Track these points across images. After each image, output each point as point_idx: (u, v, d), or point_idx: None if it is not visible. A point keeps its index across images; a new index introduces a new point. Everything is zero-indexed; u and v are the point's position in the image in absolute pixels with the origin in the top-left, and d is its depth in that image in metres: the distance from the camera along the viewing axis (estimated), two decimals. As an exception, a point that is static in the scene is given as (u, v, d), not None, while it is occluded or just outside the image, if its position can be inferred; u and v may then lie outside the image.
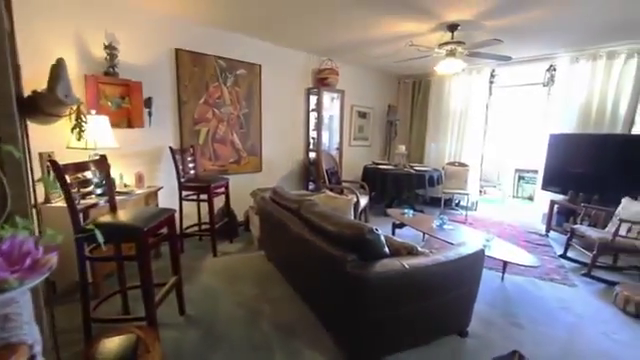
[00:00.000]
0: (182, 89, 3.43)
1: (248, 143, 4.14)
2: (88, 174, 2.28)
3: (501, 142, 6.88)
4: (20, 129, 1.19)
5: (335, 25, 3.45)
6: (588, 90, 4.13)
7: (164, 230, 2.06)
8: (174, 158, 3.10)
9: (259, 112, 4.19)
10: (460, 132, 5.48)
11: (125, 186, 2.90)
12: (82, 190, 2.18)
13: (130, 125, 3.03)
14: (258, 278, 2.81)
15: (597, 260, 2.98)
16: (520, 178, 6.88)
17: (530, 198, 6.34)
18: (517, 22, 3.18)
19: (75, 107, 1.48)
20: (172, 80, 3.37)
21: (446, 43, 3.36)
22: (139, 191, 2.85)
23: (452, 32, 3.32)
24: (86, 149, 2.43)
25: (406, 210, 3.71)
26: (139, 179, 2.98)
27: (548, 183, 4.36)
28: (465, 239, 2.80)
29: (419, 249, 1.88)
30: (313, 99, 4.80)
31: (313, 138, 4.90)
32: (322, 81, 4.71)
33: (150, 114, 3.18)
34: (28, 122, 1.36)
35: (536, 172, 5.26)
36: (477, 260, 1.98)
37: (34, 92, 1.29)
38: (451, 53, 3.41)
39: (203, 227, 3.56)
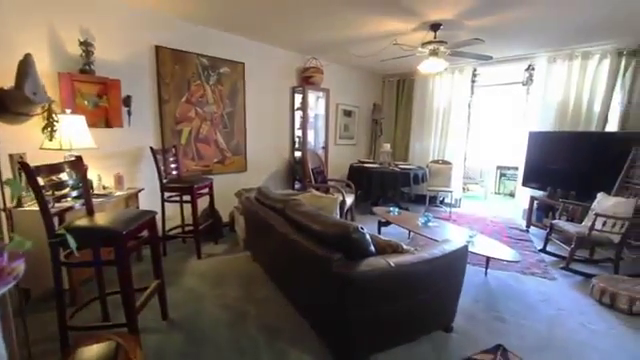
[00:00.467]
0: (163, 87, 3.34)
1: (232, 142, 4.08)
2: (63, 176, 2.18)
3: (483, 140, 7.04)
4: (-15, 129, 1.12)
5: (319, 23, 3.43)
6: (565, 89, 4.26)
7: (145, 233, 2.01)
8: (155, 158, 3.02)
9: (243, 111, 4.13)
10: (443, 130, 5.57)
11: (104, 188, 2.80)
12: (57, 193, 2.08)
13: (108, 125, 2.93)
14: (243, 279, 2.77)
15: (575, 254, 3.08)
16: (502, 175, 7.06)
17: (511, 194, 6.51)
18: (497, 22, 3.24)
19: (46, 106, 1.41)
20: (152, 78, 3.28)
21: (429, 42, 3.40)
22: (119, 193, 2.75)
23: (435, 32, 3.36)
24: (61, 150, 2.33)
25: (391, 208, 3.74)
26: (118, 180, 2.88)
27: (528, 180, 4.48)
28: (449, 236, 2.85)
29: (404, 247, 1.89)
30: (298, 98, 4.77)
31: (298, 137, 4.88)
32: (307, 80, 4.68)
33: (129, 113, 3.08)
34: (-5, 122, 1.29)
35: (517, 169, 5.40)
36: (461, 256, 2.01)
37: (0, 90, 1.22)
38: (434, 52, 3.45)
39: (187, 229, 3.48)
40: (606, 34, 3.61)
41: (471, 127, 5.50)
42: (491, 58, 3.79)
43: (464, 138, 5.46)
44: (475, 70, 5.16)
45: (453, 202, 5.52)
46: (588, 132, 4.06)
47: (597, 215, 2.97)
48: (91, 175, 2.73)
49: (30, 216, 2.09)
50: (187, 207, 3.29)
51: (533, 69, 4.59)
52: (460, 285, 2.07)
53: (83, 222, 1.70)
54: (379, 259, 1.69)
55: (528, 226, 4.38)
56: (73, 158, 1.92)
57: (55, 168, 1.73)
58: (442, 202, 5.68)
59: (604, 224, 2.99)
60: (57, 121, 1.58)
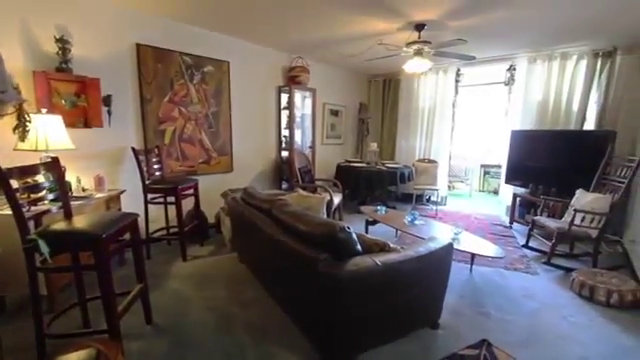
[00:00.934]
0: (145, 86, 3.25)
1: (218, 142, 4.02)
2: (40, 178, 2.10)
3: (468, 139, 7.17)
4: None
5: (304, 22, 3.42)
6: (545, 89, 4.38)
7: (127, 236, 1.95)
8: (137, 159, 2.94)
9: (229, 111, 4.08)
10: (429, 129, 5.64)
11: (83, 190, 2.71)
12: (32, 196, 2.00)
13: (87, 125, 2.83)
14: (230, 281, 2.73)
15: (556, 249, 3.17)
16: (486, 173, 7.21)
17: (495, 192, 6.66)
18: (479, 23, 3.30)
19: (17, 105, 1.35)
20: (133, 77, 3.19)
21: (413, 42, 3.43)
22: (99, 195, 2.67)
23: (419, 32, 3.39)
24: (36, 151, 2.24)
25: (379, 207, 3.76)
26: (99, 182, 2.80)
27: (511, 177, 4.59)
28: (435, 234, 2.88)
29: (391, 245, 1.89)
30: (285, 97, 4.74)
31: (285, 137, 4.85)
32: (293, 79, 4.66)
33: (110, 113, 2.99)
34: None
35: (500, 167, 5.53)
36: (446, 254, 2.04)
37: (-33, 88, 1.16)
38: (418, 52, 3.48)
39: (171, 231, 3.41)
40: (583, 36, 3.72)
41: (456, 126, 5.59)
42: (474, 58, 3.86)
43: (449, 137, 5.55)
44: (459, 70, 5.25)
45: (439, 200, 5.60)
46: (567, 130, 4.19)
47: (576, 211, 3.07)
48: (70, 177, 2.64)
49: (4, 220, 2.00)
50: (172, 209, 3.22)
51: (514, 69, 4.70)
52: (446, 282, 2.10)
53: (60, 226, 1.64)
54: (366, 258, 1.69)
55: (511, 222, 4.48)
56: (49, 159, 1.85)
57: (29, 170, 1.66)
58: (428, 200, 5.76)
59: (583, 219, 3.09)
60: (29, 121, 1.51)
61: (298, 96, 4.90)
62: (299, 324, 2.05)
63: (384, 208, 3.75)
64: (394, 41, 3.61)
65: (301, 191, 3.27)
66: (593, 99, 4.10)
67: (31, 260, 1.54)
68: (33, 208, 2.03)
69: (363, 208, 3.93)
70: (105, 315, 1.65)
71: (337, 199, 4.26)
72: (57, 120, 2.39)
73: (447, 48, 3.44)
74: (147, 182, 3.03)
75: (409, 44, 3.46)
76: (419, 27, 3.34)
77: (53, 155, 2.02)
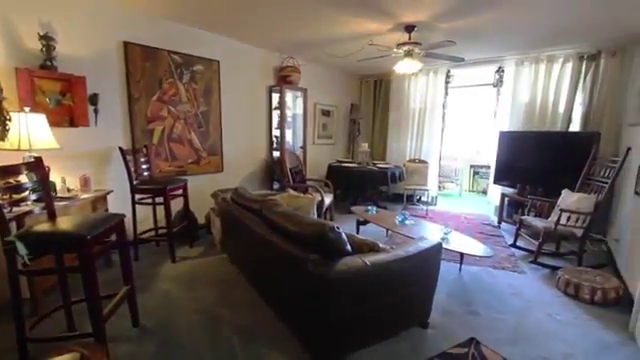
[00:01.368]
0: (133, 85, 3.20)
1: (208, 142, 3.98)
2: (23, 178, 2.04)
3: (458, 139, 7.26)
4: None
5: (295, 22, 3.41)
6: (532, 91, 4.46)
7: (113, 237, 1.92)
8: (125, 159, 2.89)
9: (219, 110, 4.04)
10: (419, 130, 5.69)
11: (68, 190, 2.65)
12: (15, 196, 1.95)
13: (73, 124, 2.77)
14: (220, 282, 2.71)
15: (542, 247, 3.23)
16: (475, 173, 7.30)
17: (484, 192, 6.74)
18: (468, 25, 3.34)
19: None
20: (121, 75, 3.13)
21: (404, 43, 3.45)
22: (85, 195, 2.62)
23: (409, 33, 3.41)
24: (19, 150, 2.18)
25: (370, 207, 3.78)
26: (85, 182, 2.74)
27: (499, 178, 4.66)
28: (425, 233, 2.90)
29: (381, 245, 1.90)
30: (276, 97, 4.72)
31: (276, 137, 4.83)
32: (284, 79, 4.64)
33: (96, 112, 2.93)
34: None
35: (489, 167, 5.61)
36: (435, 253, 2.05)
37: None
38: (408, 53, 3.51)
39: (160, 232, 3.36)
40: (569, 39, 3.80)
41: (446, 127, 5.65)
42: (463, 60, 3.91)
43: (439, 138, 5.60)
44: (449, 72, 5.30)
45: (429, 200, 5.65)
46: (553, 132, 4.27)
47: (562, 210, 3.13)
48: (55, 177, 2.59)
49: (-16, 222, 1.94)
50: (160, 209, 3.17)
51: (503, 71, 4.78)
52: (435, 281, 2.12)
53: (43, 227, 1.60)
54: (355, 258, 1.70)
55: (499, 222, 4.55)
56: (32, 159, 1.80)
57: (10, 170, 1.62)
58: (419, 200, 5.80)
59: (568, 219, 3.15)
60: (9, 119, 1.47)
61: (289, 96, 4.89)
62: (289, 325, 2.04)
63: (375, 208, 3.77)
64: (385, 42, 3.62)
65: (291, 191, 3.26)
66: (578, 101, 4.19)
67: (12, 262, 1.50)
68: (15, 209, 1.98)
69: (354, 208, 3.94)
70: (90, 318, 1.62)
71: (328, 199, 4.27)
72: (41, 119, 2.33)
73: (437, 49, 3.47)
74: (135, 182, 2.98)
75: (399, 45, 3.49)
76: (409, 28, 3.36)
77: (36, 155, 1.97)
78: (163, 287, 2.61)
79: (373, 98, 6.28)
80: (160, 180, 3.19)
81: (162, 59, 3.41)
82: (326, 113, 5.81)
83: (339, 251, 1.71)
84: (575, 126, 4.23)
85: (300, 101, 5.05)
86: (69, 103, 2.73)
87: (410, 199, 5.65)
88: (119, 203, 3.01)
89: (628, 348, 1.97)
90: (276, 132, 4.81)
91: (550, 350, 1.94)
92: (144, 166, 3.18)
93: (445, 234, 2.91)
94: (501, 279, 2.89)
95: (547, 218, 3.53)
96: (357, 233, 3.55)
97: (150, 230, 3.34)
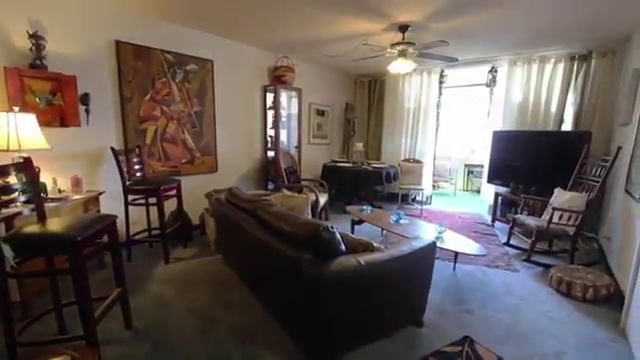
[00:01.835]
0: (125, 85, 3.17)
1: (202, 142, 3.95)
2: (11, 179, 2.01)
3: (452, 139, 7.31)
4: None
5: (289, 22, 3.39)
6: (525, 90, 4.50)
7: (105, 238, 1.90)
8: (117, 159, 2.85)
9: (212, 110, 4.02)
10: (414, 130, 5.71)
11: (60, 191, 2.62)
12: (3, 197, 1.91)
13: (64, 124, 2.74)
14: (214, 283, 2.69)
15: (535, 246, 3.26)
16: (469, 172, 7.36)
17: (478, 191, 6.79)
18: (461, 26, 3.36)
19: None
20: (113, 75, 3.10)
21: (398, 43, 3.46)
22: (76, 197, 2.58)
23: (403, 33, 3.42)
24: (8, 151, 2.14)
25: (364, 207, 3.78)
26: (76, 183, 2.70)
27: (492, 177, 4.69)
28: (420, 233, 2.92)
29: (375, 245, 1.90)
30: (270, 97, 4.70)
31: (271, 136, 4.81)
32: (279, 79, 4.63)
33: (88, 112, 2.90)
34: None
35: (483, 167, 5.65)
36: (429, 252, 2.06)
37: None
38: (402, 53, 3.52)
39: (153, 233, 3.33)
40: (561, 40, 3.84)
41: (440, 127, 5.68)
42: (457, 60, 3.93)
43: (433, 137, 5.63)
44: (443, 72, 5.33)
45: (424, 199, 5.68)
46: (546, 131, 4.31)
47: (554, 209, 3.16)
48: (45, 178, 2.55)
49: (-28, 223, 1.90)
50: (154, 210, 3.14)
51: (496, 71, 4.82)
52: (429, 280, 2.13)
53: (32, 229, 1.57)
54: (350, 258, 1.69)
55: (493, 221, 4.58)
56: (21, 160, 1.77)
57: (-1, 171, 1.59)
58: (414, 200, 5.83)
59: (560, 217, 3.18)
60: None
61: (284, 96, 4.87)
62: (284, 325, 2.03)
63: (370, 208, 3.77)
64: (379, 42, 3.63)
65: (286, 191, 3.25)
66: (570, 101, 4.24)
67: (0, 265, 1.47)
68: (4, 210, 1.95)
69: (349, 208, 3.94)
70: (81, 320, 1.60)
71: (323, 199, 4.26)
72: (30, 119, 2.29)
73: (430, 49, 3.48)
74: (127, 183, 2.95)
75: (393, 45, 3.49)
76: (403, 28, 3.37)
77: (26, 155, 1.94)
78: (156, 288, 2.59)
79: (368, 98, 6.29)
80: (153, 180, 3.16)
81: (155, 58, 3.37)
82: (321, 113, 5.81)
83: (333, 251, 1.71)
84: (567, 126, 4.28)
85: (295, 101, 5.04)
86: (60, 103, 2.69)
87: (405, 198, 5.67)
88: (112, 204, 2.98)
89: (618, 344, 1.99)
90: (271, 132, 4.80)
91: (543, 347, 1.95)
92: (137, 166, 3.15)
93: (439, 233, 2.92)
94: (495, 277, 2.91)
95: (540, 217, 3.56)
96: (352, 233, 3.55)
97: (143, 231, 3.31)
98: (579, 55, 4.09)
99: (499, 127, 4.71)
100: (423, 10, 2.99)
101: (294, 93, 4.98)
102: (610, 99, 3.89)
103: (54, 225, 1.62)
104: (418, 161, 5.49)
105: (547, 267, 3.05)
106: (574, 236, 3.12)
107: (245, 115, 4.51)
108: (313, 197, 4.00)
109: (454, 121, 7.25)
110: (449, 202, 6.25)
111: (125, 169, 2.94)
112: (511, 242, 3.70)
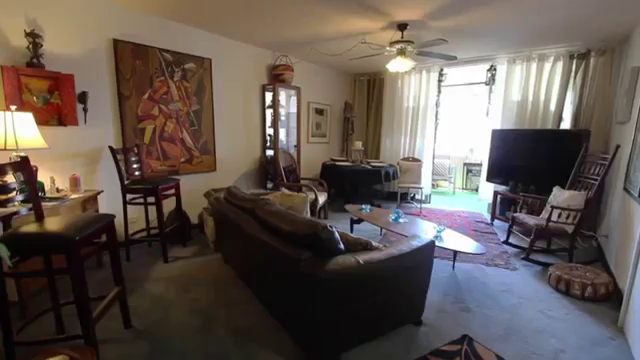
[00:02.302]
0: (123, 83, 3.15)
1: (200, 141, 3.94)
2: (9, 178, 2.00)
3: (451, 138, 7.31)
4: None
5: (288, 20, 3.38)
6: (524, 89, 4.50)
7: (103, 238, 1.89)
8: (115, 159, 2.84)
9: (211, 109, 4.00)
10: (413, 128, 5.71)
11: (58, 191, 2.61)
12: (0, 197, 1.90)
13: (62, 123, 2.73)
14: (213, 282, 2.68)
15: (534, 244, 3.26)
16: (468, 171, 7.36)
17: (477, 190, 6.79)
18: (460, 24, 3.36)
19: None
20: (111, 73, 3.08)
21: (396, 42, 3.45)
22: (74, 196, 2.57)
23: (402, 31, 3.42)
24: (5, 150, 2.13)
25: (363, 206, 3.78)
26: (74, 183, 2.69)
27: (492, 175, 4.69)
28: (419, 231, 2.92)
29: (373, 244, 1.90)
30: (269, 96, 4.69)
31: (270, 135, 4.80)
32: (277, 77, 4.62)
33: (85, 110, 2.89)
34: None
35: (482, 165, 5.64)
36: (428, 251, 2.06)
37: None
38: (401, 52, 3.51)
39: (152, 232, 3.33)
40: (560, 38, 3.84)
41: (439, 125, 5.68)
42: (455, 58, 3.92)
43: (433, 136, 5.63)
44: (442, 70, 5.33)
45: (423, 198, 5.68)
46: (545, 130, 4.32)
47: (553, 207, 3.16)
48: (43, 177, 2.54)
49: (-31, 223, 1.90)
50: (152, 209, 3.13)
51: (495, 70, 4.82)
52: (428, 279, 2.12)
53: (30, 228, 1.57)
54: (348, 257, 1.69)
55: (492, 219, 4.59)
56: (19, 159, 1.76)
57: (-4, 170, 1.58)
58: (413, 198, 5.83)
59: (559, 216, 3.19)
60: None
61: (283, 94, 4.86)
62: (283, 323, 2.03)
63: (369, 207, 3.77)
64: (377, 40, 3.63)
65: (285, 190, 3.25)
66: (569, 99, 4.24)
67: (-2, 264, 1.46)
68: (1, 210, 1.94)
69: (348, 207, 3.94)
70: (80, 320, 1.59)
71: (322, 198, 4.26)
72: (28, 118, 2.28)
73: (429, 48, 3.48)
74: (126, 182, 2.94)
75: (392, 43, 3.49)
76: (402, 27, 3.37)
77: (23, 154, 1.93)
78: (155, 288, 2.58)
79: (367, 96, 6.28)
80: (152, 180, 3.15)
81: (153, 57, 3.36)
82: (320, 112, 5.80)
83: (332, 250, 1.71)
84: (566, 124, 4.28)
85: (294, 100, 5.03)
86: (57, 102, 2.68)
87: (404, 197, 5.67)
88: (110, 203, 2.98)
89: (617, 342, 2.00)
90: (269, 131, 4.79)
91: (542, 346, 1.95)
92: (135, 165, 3.14)
93: (438, 232, 2.93)
94: (494, 276, 2.91)
95: (539, 215, 3.57)
96: (351, 232, 3.55)
97: (142, 230, 3.31)
98: (578, 53, 4.09)
99: (498, 126, 4.70)
100: (422, 8, 2.98)
101: (293, 92, 4.97)
102: (609, 97, 3.89)
103: (52, 224, 1.62)
104: (417, 160, 5.49)
105: (546, 265, 3.05)
106: (573, 234, 3.13)
107: (244, 114, 4.49)
108: (312, 196, 4.00)
109: (453, 120, 7.24)
110: (448, 201, 6.25)
111: (123, 168, 2.93)
112: (510, 240, 3.71)
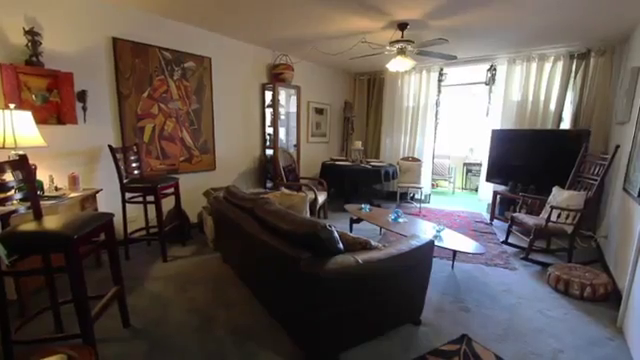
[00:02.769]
0: (122, 82, 3.15)
1: (200, 140, 3.93)
2: (7, 177, 1.99)
3: (451, 137, 7.30)
4: None
5: (288, 19, 3.38)
6: (524, 89, 4.50)
7: (102, 237, 1.89)
8: (114, 157, 2.84)
9: (211, 108, 4.00)
10: (413, 128, 5.70)
11: (56, 189, 2.60)
12: (-1, 195, 1.90)
13: (61, 121, 2.72)
14: (213, 282, 2.68)
15: (533, 244, 3.26)
16: (468, 171, 7.36)
17: (477, 190, 6.80)
18: (460, 23, 3.35)
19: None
20: (110, 72, 3.08)
21: (397, 41, 3.45)
22: (73, 194, 2.57)
23: (402, 31, 3.41)
24: (4, 148, 2.13)
25: (363, 205, 3.78)
26: (73, 181, 2.69)
27: (491, 175, 4.69)
28: (418, 231, 2.92)
29: (373, 243, 1.90)
30: (269, 95, 4.68)
31: (269, 135, 4.80)
32: (277, 76, 4.61)
33: (85, 109, 2.88)
34: None
35: (482, 165, 5.64)
36: (427, 251, 2.06)
37: None
38: (401, 51, 3.50)
39: (151, 231, 3.32)
40: (560, 38, 3.84)
41: (439, 125, 5.67)
42: (456, 58, 3.92)
43: (432, 136, 5.63)
44: (442, 70, 5.32)
45: (423, 198, 5.67)
46: (545, 130, 4.32)
47: (552, 207, 3.16)
48: (42, 176, 2.54)
49: (-32, 221, 1.89)
50: (152, 208, 3.13)
51: (495, 69, 4.81)
52: (427, 279, 2.12)
53: (28, 226, 1.56)
54: (347, 256, 1.69)
55: (492, 219, 4.59)
56: (17, 157, 1.76)
57: (-6, 168, 1.57)
58: (412, 198, 5.83)
59: (559, 216, 3.18)
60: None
61: (282, 94, 4.85)
62: (283, 323, 2.03)
63: (368, 206, 3.77)
64: (378, 40, 3.62)
65: (284, 190, 3.24)
66: (569, 99, 4.24)
67: (-5, 263, 1.46)
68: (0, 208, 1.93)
69: (348, 206, 3.94)
70: (78, 319, 1.59)
71: (322, 198, 4.26)
72: (26, 116, 2.28)
73: (429, 47, 3.47)
74: (125, 181, 2.93)
75: (392, 43, 3.48)
76: (402, 26, 3.36)
77: (22, 153, 1.92)
78: (154, 287, 2.58)
79: (367, 96, 6.27)
80: (151, 178, 3.14)
81: (152, 55, 3.35)
82: (319, 111, 5.79)
83: (331, 249, 1.70)
84: (566, 124, 4.28)
85: (293, 99, 5.03)
86: (56, 100, 2.67)
87: (403, 197, 5.67)
88: (109, 202, 2.97)
89: (616, 343, 2.00)
90: (269, 130, 4.78)
91: (540, 346, 1.96)
92: (134, 164, 3.13)
93: (438, 232, 2.93)
94: (493, 276, 2.91)
95: (538, 215, 3.56)
96: (350, 231, 3.55)
97: (141, 229, 3.30)
98: (578, 53, 4.09)
99: (498, 126, 4.70)
100: (422, 8, 2.98)
101: (293, 91, 4.97)
102: (609, 97, 3.89)
103: (50, 223, 1.61)
104: (417, 160, 5.49)
105: (545, 265, 3.05)
106: (572, 235, 3.13)
107: (244, 113, 4.49)
108: (312, 196, 4.00)
109: (453, 120, 7.24)
110: (448, 201, 6.25)
111: (123, 167, 2.93)
112: (509, 240, 3.71)
